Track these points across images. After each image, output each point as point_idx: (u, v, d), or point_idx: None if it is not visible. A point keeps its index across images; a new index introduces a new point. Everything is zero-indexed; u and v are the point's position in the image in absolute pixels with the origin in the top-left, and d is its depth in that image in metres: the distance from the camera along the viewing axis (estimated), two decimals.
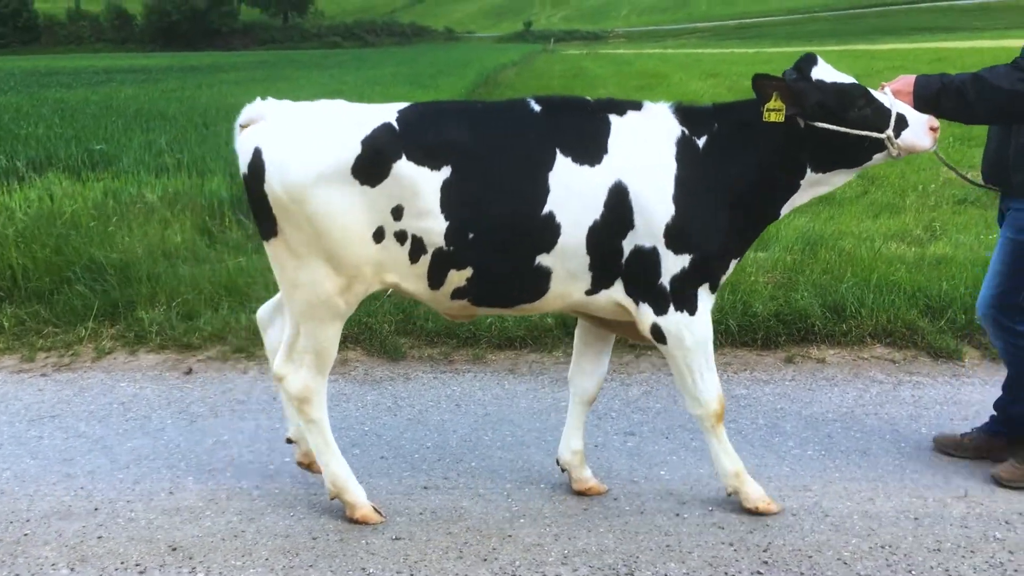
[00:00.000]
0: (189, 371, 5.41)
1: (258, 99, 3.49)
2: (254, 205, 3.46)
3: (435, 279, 3.47)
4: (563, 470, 4.02)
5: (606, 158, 3.43)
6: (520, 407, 4.93)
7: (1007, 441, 4.25)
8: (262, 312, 3.99)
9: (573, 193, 3.39)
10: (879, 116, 3.46)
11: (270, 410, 4.87)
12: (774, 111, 3.40)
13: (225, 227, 7.69)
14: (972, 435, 4.35)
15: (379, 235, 3.38)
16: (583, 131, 3.47)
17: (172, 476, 4.17)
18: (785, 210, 3.66)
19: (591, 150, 3.43)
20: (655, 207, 3.42)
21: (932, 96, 3.66)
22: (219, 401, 5.01)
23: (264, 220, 3.44)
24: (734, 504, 3.85)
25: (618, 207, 3.42)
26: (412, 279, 3.48)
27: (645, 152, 3.46)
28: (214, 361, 5.55)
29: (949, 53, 37.51)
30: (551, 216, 3.39)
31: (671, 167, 3.46)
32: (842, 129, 3.44)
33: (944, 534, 3.66)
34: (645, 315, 3.55)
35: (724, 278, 3.73)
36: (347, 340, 5.58)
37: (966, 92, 3.65)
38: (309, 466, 4.00)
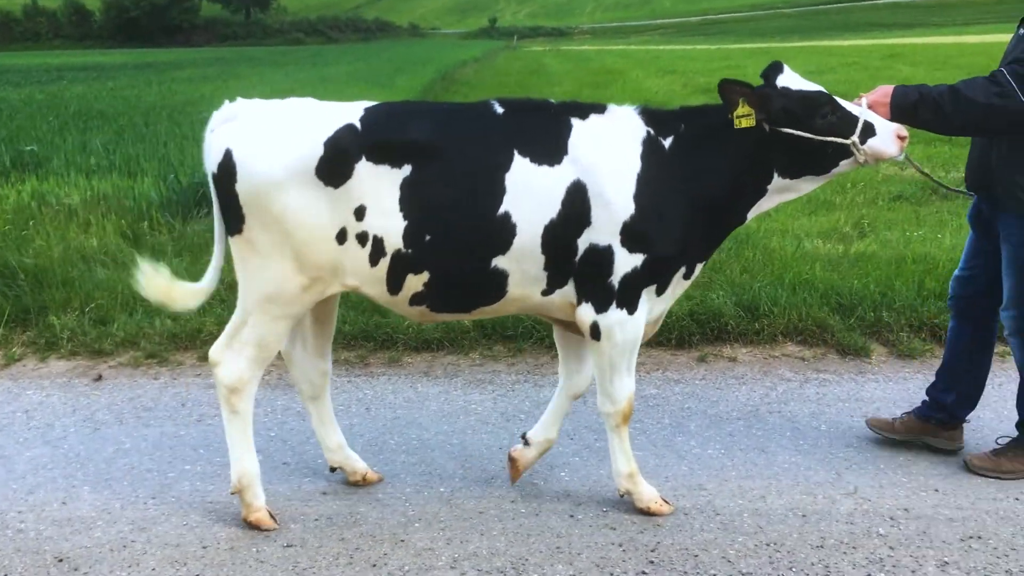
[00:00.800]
0: (99, 377, 5.34)
1: (227, 101, 3.53)
2: (224, 203, 3.50)
3: (393, 284, 3.49)
4: (526, 444, 4.03)
5: (565, 158, 3.44)
6: (430, 410, 4.93)
7: (936, 426, 4.36)
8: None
9: (529, 192, 3.40)
10: (845, 123, 3.49)
11: (176, 417, 4.83)
12: (744, 116, 3.42)
13: (153, 230, 7.58)
14: (903, 418, 4.45)
15: (342, 236, 3.41)
16: (543, 132, 3.49)
17: (68, 486, 4.12)
18: (751, 215, 3.69)
19: (550, 150, 3.44)
20: (614, 204, 3.43)
21: (910, 107, 3.68)
22: (125, 408, 4.95)
23: (232, 217, 3.48)
24: (628, 505, 3.88)
25: (576, 204, 3.42)
26: (372, 283, 3.50)
27: (606, 151, 3.47)
28: (125, 367, 5.48)
29: (904, 49, 38.20)
30: (507, 216, 3.41)
31: (634, 165, 3.48)
32: (806, 135, 3.47)
33: (829, 531, 3.72)
34: (586, 314, 3.58)
35: (690, 282, 3.78)
36: None
37: (943, 104, 3.65)
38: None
